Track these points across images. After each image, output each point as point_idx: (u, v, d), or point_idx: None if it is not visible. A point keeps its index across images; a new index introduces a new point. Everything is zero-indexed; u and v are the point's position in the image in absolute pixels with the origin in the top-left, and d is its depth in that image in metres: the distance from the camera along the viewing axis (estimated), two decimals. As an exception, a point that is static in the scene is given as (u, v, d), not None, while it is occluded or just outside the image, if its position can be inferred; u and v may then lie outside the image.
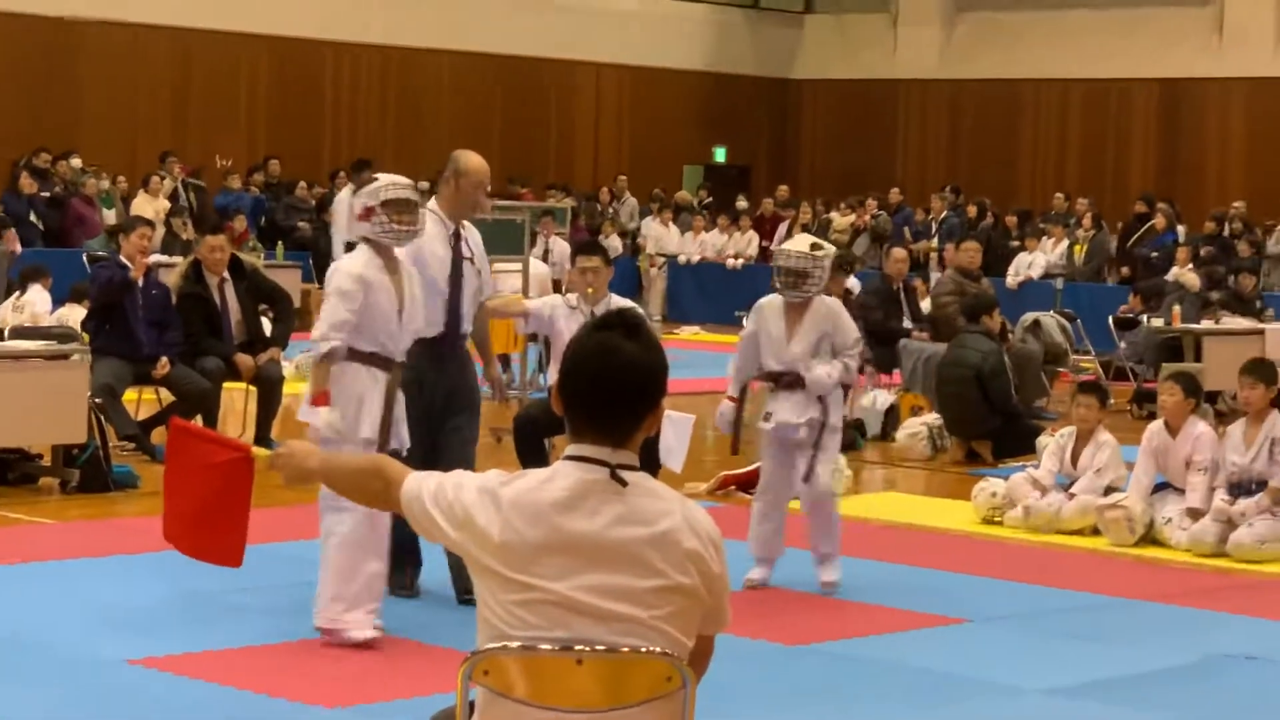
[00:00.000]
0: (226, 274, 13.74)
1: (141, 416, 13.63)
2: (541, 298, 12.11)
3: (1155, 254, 25.41)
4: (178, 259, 17.34)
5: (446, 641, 8.11)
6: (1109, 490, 11.67)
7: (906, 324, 16.98)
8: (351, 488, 4.34)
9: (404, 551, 9.03)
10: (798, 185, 34.23)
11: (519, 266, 16.86)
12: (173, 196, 26.33)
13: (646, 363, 3.91)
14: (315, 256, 25.50)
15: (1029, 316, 19.19)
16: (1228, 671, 8.47)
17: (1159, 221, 26.26)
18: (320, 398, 8.20)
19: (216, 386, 13.37)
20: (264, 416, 13.49)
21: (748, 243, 30.06)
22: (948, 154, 35.20)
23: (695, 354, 21.12)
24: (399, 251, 8.50)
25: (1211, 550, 11.09)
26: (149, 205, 25.32)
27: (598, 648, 3.83)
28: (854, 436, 15.14)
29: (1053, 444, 12.25)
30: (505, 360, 16.23)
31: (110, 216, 25.29)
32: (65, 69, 28.15)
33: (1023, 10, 34.38)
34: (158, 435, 13.04)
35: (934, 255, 28.05)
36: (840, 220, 29.72)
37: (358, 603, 8.10)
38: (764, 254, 28.63)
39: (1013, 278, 26.38)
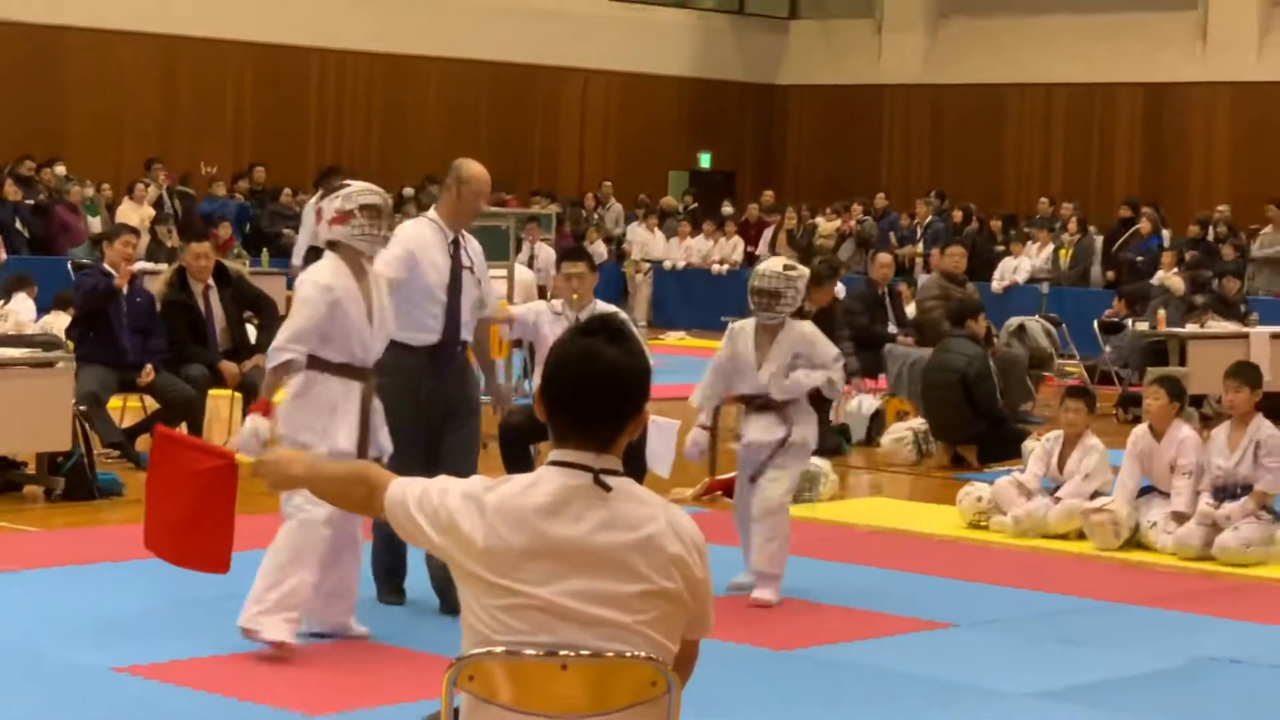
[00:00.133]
0: (211, 281, 13.74)
1: (126, 424, 13.61)
2: (526, 304, 12.11)
3: (1140, 258, 25.43)
4: (163, 266, 17.29)
5: (431, 647, 8.09)
6: (1096, 495, 11.68)
7: (891, 329, 16.97)
8: (336, 494, 4.34)
9: (392, 575, 9.05)
10: (783, 190, 34.19)
11: (504, 272, 16.86)
12: (158, 204, 26.27)
13: (629, 367, 3.91)
14: (300, 264, 25.47)
15: (1014, 321, 19.21)
16: (1213, 675, 8.47)
17: (1144, 226, 26.28)
18: (261, 405, 8.12)
19: (201, 394, 13.36)
20: (249, 424, 13.45)
21: (733, 248, 30.05)
22: (932, 159, 35.23)
23: (680, 360, 21.08)
24: (389, 252, 8.51)
25: (1197, 554, 11.10)
26: (134, 213, 25.26)
27: (582, 653, 3.83)
28: (839, 442, 15.15)
29: (1039, 448, 12.26)
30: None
31: (95, 224, 25.23)
32: (50, 76, 28.12)
33: (1007, 15, 34.40)
34: (142, 443, 13.02)
35: (919, 260, 28.07)
36: (826, 225, 29.71)
37: (279, 609, 7.99)
38: (749, 259, 28.60)
39: (998, 282, 26.43)
